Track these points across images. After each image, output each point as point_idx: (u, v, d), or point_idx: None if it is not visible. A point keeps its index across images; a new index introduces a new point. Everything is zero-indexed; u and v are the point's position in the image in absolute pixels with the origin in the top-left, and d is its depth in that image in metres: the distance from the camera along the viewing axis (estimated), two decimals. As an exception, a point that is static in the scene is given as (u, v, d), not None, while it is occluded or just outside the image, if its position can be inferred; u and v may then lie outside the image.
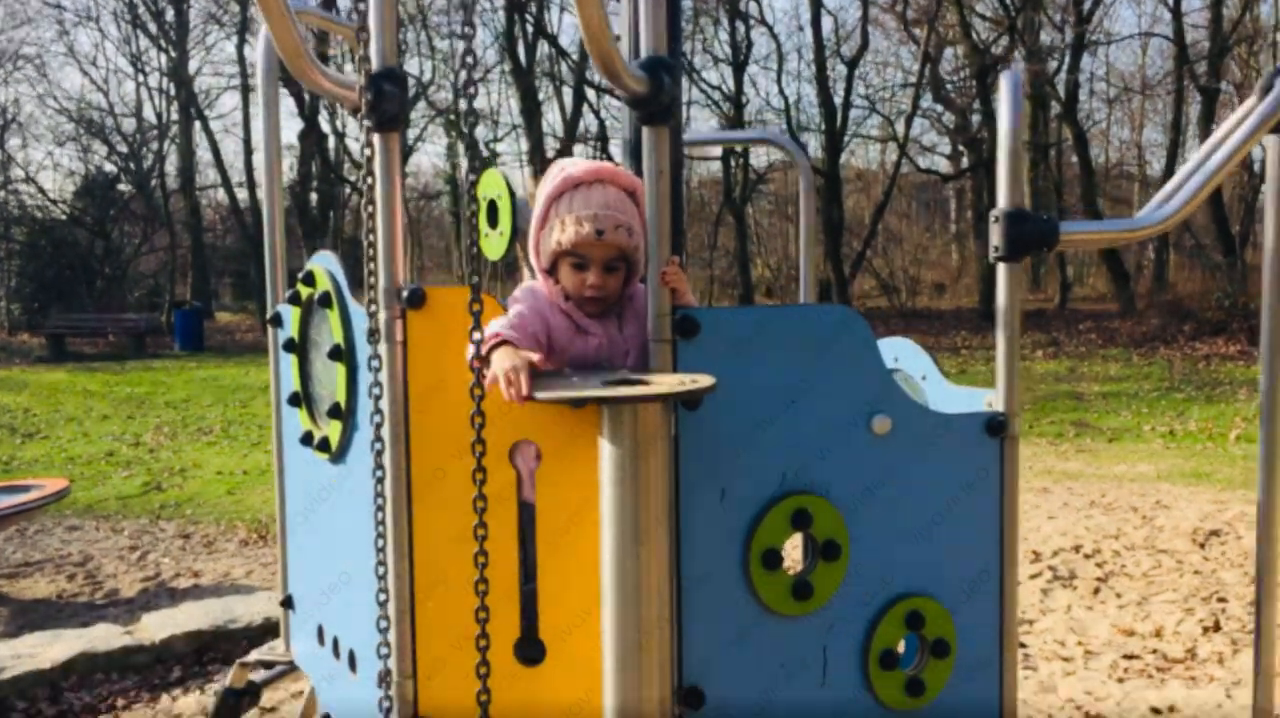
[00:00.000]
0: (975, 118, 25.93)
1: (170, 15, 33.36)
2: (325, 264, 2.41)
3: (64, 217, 30.39)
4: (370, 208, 2.05)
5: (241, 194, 34.86)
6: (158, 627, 6.27)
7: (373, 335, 2.06)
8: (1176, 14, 22.55)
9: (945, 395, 2.94)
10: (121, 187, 32.32)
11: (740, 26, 26.19)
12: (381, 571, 2.07)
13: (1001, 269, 2.38)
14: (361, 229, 2.07)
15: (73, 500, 9.94)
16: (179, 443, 13.15)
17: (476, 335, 1.90)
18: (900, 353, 3.09)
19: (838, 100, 25.04)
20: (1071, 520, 8.45)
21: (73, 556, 8.22)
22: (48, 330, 23.95)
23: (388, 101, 2.00)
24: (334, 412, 2.35)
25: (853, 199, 32.91)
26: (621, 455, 1.90)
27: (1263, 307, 2.55)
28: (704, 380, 1.89)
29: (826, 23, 27.17)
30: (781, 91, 27.18)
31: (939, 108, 29.40)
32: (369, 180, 2.02)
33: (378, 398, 1.95)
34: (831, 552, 2.19)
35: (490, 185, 2.91)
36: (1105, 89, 31.46)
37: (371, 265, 2.05)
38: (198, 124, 34.15)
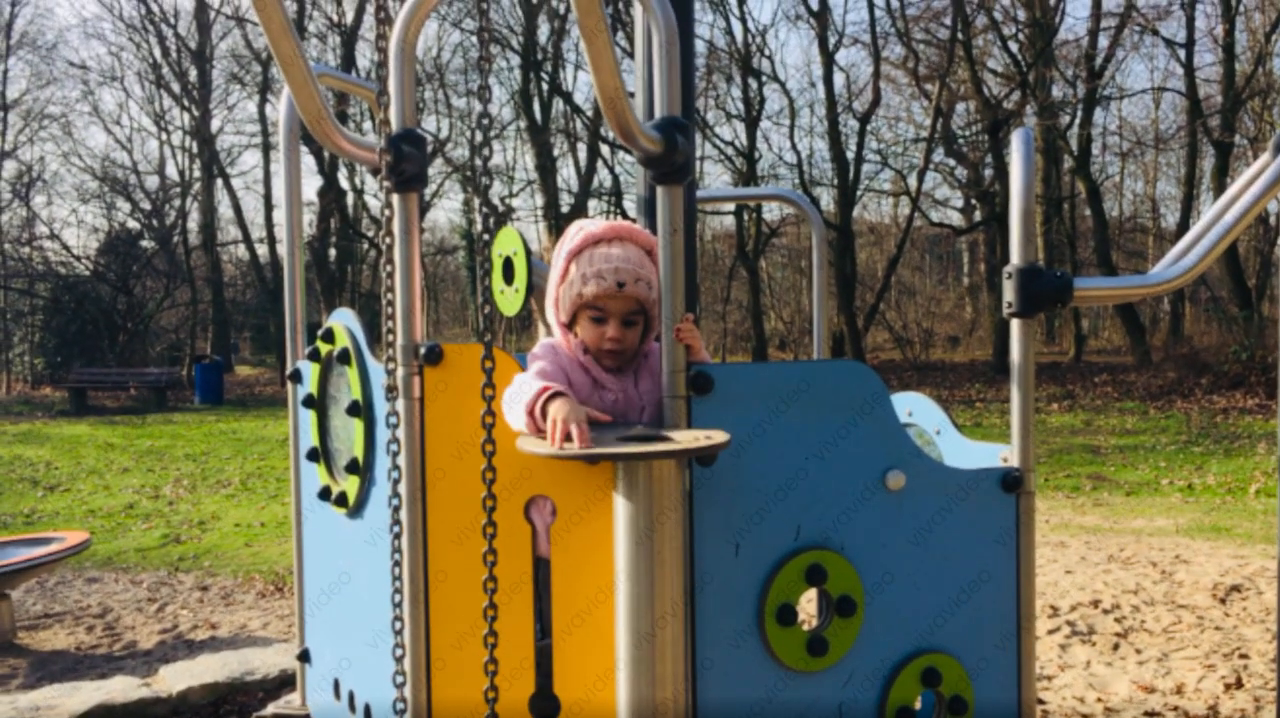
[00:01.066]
0: (988, 172, 26.04)
1: (193, 75, 33.94)
2: (344, 321, 2.44)
3: (87, 272, 30.73)
4: (389, 267, 2.09)
5: (262, 250, 35.26)
6: (175, 679, 6.26)
7: (390, 392, 2.09)
8: (1189, 69, 22.68)
9: (960, 450, 2.94)
10: (144, 243, 32.69)
11: (753, 83, 26.48)
12: (398, 625, 2.08)
13: (1015, 325, 2.39)
14: (380, 286, 2.10)
15: (92, 553, 9.96)
16: (198, 495, 13.17)
17: (489, 392, 1.92)
18: (914, 407, 3.10)
19: (850, 155, 25.22)
20: (1090, 575, 8.36)
21: (92, 607, 8.22)
22: (69, 384, 24.15)
23: (407, 162, 2.04)
24: (352, 467, 2.37)
25: (865, 253, 33.01)
26: (636, 513, 1.91)
27: None
28: (719, 437, 1.91)
29: (838, 79, 27.45)
30: (794, 147, 27.42)
31: (951, 162, 29.59)
32: (388, 240, 2.06)
33: (395, 454, 1.97)
34: (847, 608, 2.19)
35: (506, 242, 2.95)
36: (1119, 143, 31.59)
37: (390, 323, 2.09)
38: (219, 181, 34.62)
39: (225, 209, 35.95)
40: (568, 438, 1.91)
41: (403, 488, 2.09)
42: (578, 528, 2.10)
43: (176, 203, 35.21)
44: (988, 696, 2.34)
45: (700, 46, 27.98)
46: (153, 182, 35.79)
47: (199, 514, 11.85)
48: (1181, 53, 22.92)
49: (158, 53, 34.23)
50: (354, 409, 2.34)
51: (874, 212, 35.23)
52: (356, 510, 2.43)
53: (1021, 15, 24.27)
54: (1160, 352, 22.34)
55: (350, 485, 2.41)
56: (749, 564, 2.12)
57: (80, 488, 13.83)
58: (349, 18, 30.56)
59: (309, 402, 2.62)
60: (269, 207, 35.48)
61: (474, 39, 27.50)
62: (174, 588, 8.76)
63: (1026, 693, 2.36)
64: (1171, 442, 14.65)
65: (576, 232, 2.36)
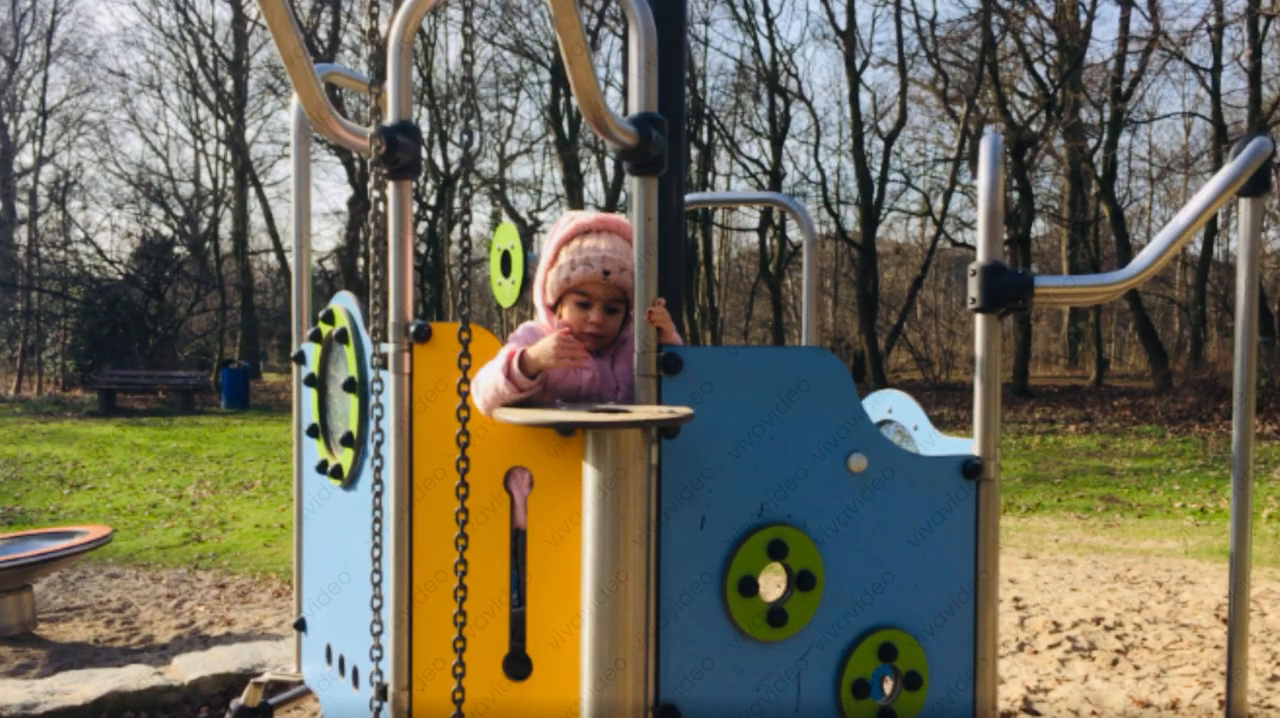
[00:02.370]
0: (1015, 195, 26.07)
1: (229, 85, 34.43)
2: (344, 304, 2.59)
3: (120, 277, 31.20)
4: (381, 250, 2.24)
5: (292, 259, 35.60)
6: (187, 668, 6.43)
7: (381, 366, 2.23)
8: (1215, 94, 22.66)
9: (935, 445, 3.05)
10: (177, 249, 33.16)
11: (780, 101, 26.65)
12: (377, 578, 2.22)
13: (979, 320, 2.51)
14: (374, 270, 2.25)
15: (114, 549, 10.17)
16: (220, 497, 13.38)
17: (465, 362, 2.07)
18: (894, 404, 3.21)
19: (874, 174, 25.35)
20: (1094, 593, 8.41)
21: (112, 602, 8.40)
22: (99, 386, 24.52)
23: (401, 151, 2.19)
24: (347, 440, 2.51)
25: (890, 273, 33.03)
26: (602, 478, 2.04)
27: (1235, 359, 2.66)
28: (681, 411, 2.04)
29: (865, 98, 27.58)
30: (819, 165, 27.55)
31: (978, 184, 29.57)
32: (380, 222, 2.20)
33: (379, 418, 2.10)
34: (806, 582, 2.31)
35: (504, 237, 3.10)
36: (1147, 168, 31.55)
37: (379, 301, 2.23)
38: (252, 190, 35.09)
39: (257, 217, 36.43)
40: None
41: (388, 451, 2.23)
42: (553, 499, 2.23)
43: (210, 210, 35.70)
44: (943, 674, 2.45)
45: (729, 65, 28.19)
46: (187, 189, 36.32)
47: (220, 515, 12.05)
48: (1208, 78, 22.94)
49: (195, 62, 34.77)
50: (350, 385, 2.49)
51: (900, 232, 35.28)
52: (351, 482, 2.58)
53: (1050, 38, 24.34)
54: (1182, 377, 22.28)
55: (345, 458, 2.55)
56: (713, 537, 2.24)
57: (106, 486, 14.08)
58: (383, 30, 30.91)
59: (310, 380, 2.77)
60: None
61: (504, 54, 27.86)
62: (192, 585, 8.95)
63: (982, 675, 2.46)
64: (1187, 465, 14.63)
65: (568, 221, 2.51)
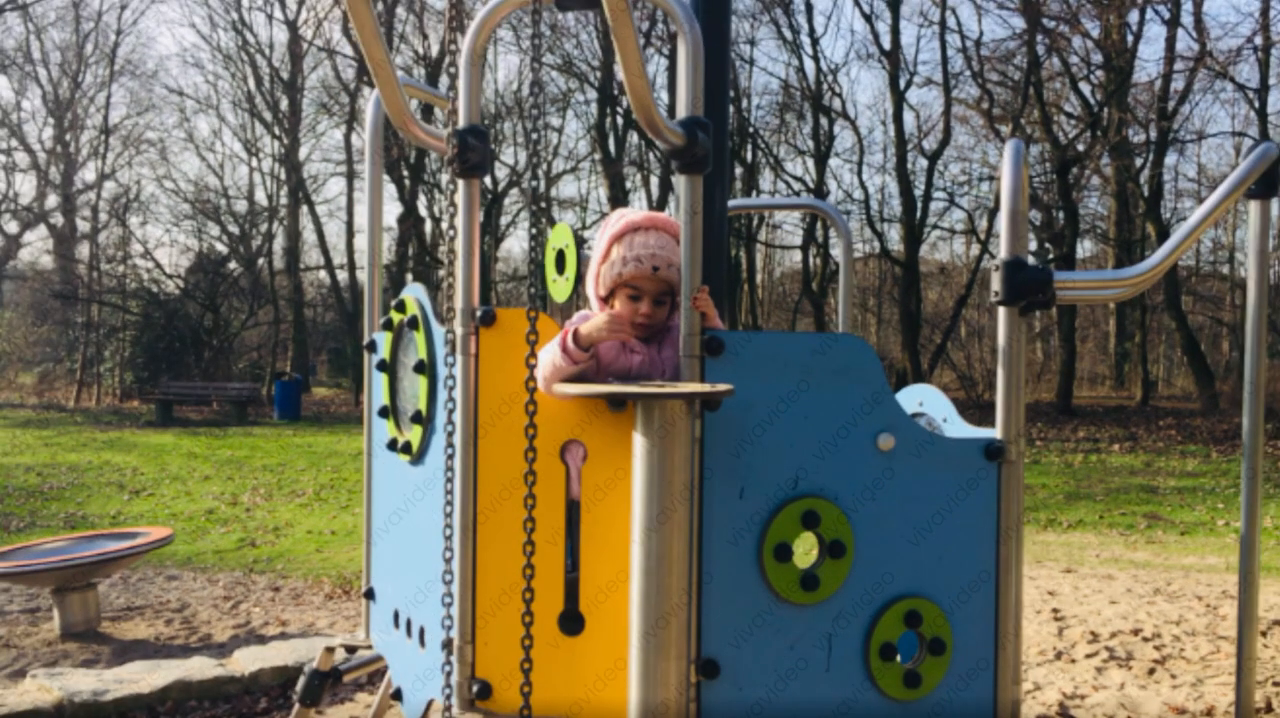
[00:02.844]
0: (1060, 214, 26.05)
1: (285, 105, 35.17)
2: (415, 294, 2.83)
3: (177, 291, 31.94)
4: (452, 241, 2.47)
5: (342, 275, 36.32)
6: (248, 661, 6.73)
7: (450, 349, 2.46)
8: (1262, 114, 22.55)
9: (963, 435, 3.23)
10: (231, 265, 33.88)
11: (824, 120, 26.84)
12: (448, 554, 2.44)
13: (1002, 313, 2.70)
14: (445, 261, 2.47)
15: (173, 553, 10.53)
16: (274, 504, 13.74)
17: (532, 362, 2.30)
18: (925, 398, 3.40)
19: (918, 193, 25.43)
20: (1134, 606, 8.48)
21: (171, 602, 8.72)
22: (157, 397, 25.15)
23: (471, 152, 2.42)
24: (416, 418, 2.74)
25: (935, 293, 33.02)
26: (650, 447, 2.25)
27: (1245, 356, 2.83)
28: (720, 386, 2.25)
29: (909, 117, 27.72)
30: (862, 184, 27.68)
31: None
32: (452, 216, 2.44)
33: (451, 388, 2.33)
34: (837, 550, 2.50)
35: (559, 237, 3.33)
36: (1196, 188, 31.36)
37: (451, 289, 2.46)
38: (305, 207, 35.77)
39: (309, 234, 37.12)
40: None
41: (457, 435, 2.45)
42: (605, 469, 2.45)
43: (264, 227, 36.42)
44: (966, 641, 2.62)
45: (773, 85, 28.45)
46: (242, 205, 37.09)
47: (274, 521, 12.41)
48: (1255, 97, 22.82)
49: (252, 83, 35.55)
50: (420, 367, 2.72)
51: (945, 252, 35.29)
52: (419, 457, 2.81)
53: (1096, 58, 24.36)
54: (1228, 398, 22.15)
55: (414, 435, 2.79)
56: (751, 506, 2.44)
57: (164, 493, 14.50)
58: (434, 51, 31.54)
59: (381, 365, 3.01)
60: (350, 233, 36.56)
61: (554, 74, 28.28)
62: (248, 588, 9.26)
63: (1004, 643, 2.64)
64: (1231, 484, 14.58)
65: (619, 218, 2.74)
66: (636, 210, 2.76)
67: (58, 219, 38.37)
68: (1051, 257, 25.51)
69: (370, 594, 3.21)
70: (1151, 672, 6.76)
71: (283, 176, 35.91)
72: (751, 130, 27.44)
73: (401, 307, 2.87)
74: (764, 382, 2.45)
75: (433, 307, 2.78)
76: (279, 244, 36.39)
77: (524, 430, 2.31)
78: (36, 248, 41.54)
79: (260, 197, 37.48)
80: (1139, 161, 24.48)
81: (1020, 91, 25.00)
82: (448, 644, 2.49)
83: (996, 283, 2.66)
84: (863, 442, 2.53)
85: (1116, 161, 22.88)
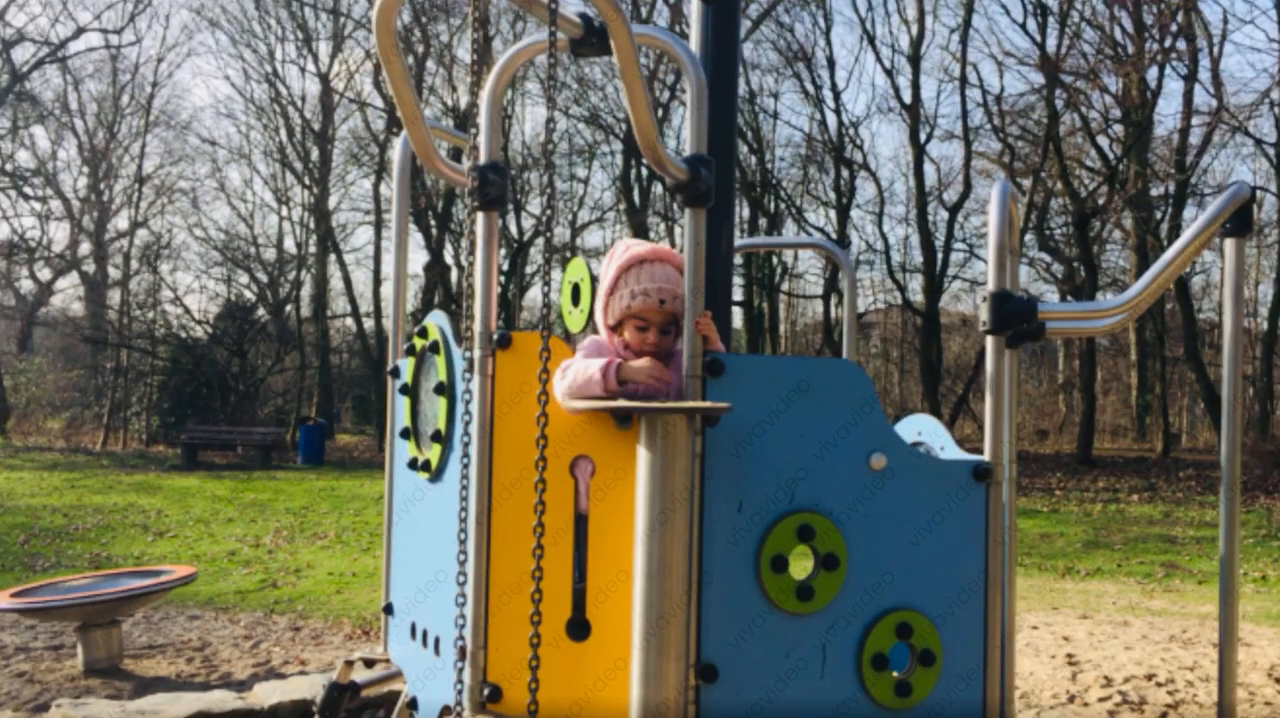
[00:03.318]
0: (1079, 267, 26.16)
1: (315, 155, 35.80)
2: (437, 320, 3.01)
3: (206, 336, 32.41)
4: (471, 270, 2.65)
5: (368, 324, 36.80)
6: (267, 694, 6.87)
7: (468, 370, 2.63)
8: (1279, 169, 22.67)
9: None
10: (259, 313, 34.35)
11: (845, 172, 27.14)
12: (463, 558, 2.60)
13: (989, 341, 2.86)
14: (464, 290, 2.65)
15: (195, 592, 10.69)
16: (295, 546, 13.89)
17: (544, 377, 2.48)
18: (923, 428, 3.54)
19: (939, 243, 25.62)
20: (1148, 652, 8.50)
21: (192, 641, 8.86)
22: (183, 441, 25.47)
23: (491, 187, 2.61)
24: (435, 437, 2.91)
25: (957, 344, 33.09)
26: (653, 458, 2.41)
27: (1223, 382, 2.96)
28: (719, 404, 2.41)
29: (930, 169, 27.94)
30: (883, 235, 27.94)
31: (1047, 257, 29.76)
32: (472, 245, 2.62)
33: (468, 402, 2.50)
34: (831, 563, 2.64)
35: (575, 271, 3.51)
36: (1218, 241, 31.34)
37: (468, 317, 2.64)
38: (332, 256, 36.28)
39: (336, 282, 37.62)
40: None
41: (473, 448, 2.62)
42: (612, 482, 2.60)
43: (291, 274, 36.93)
44: (956, 654, 2.75)
45: (796, 137, 28.84)
46: (270, 254, 37.64)
47: (296, 563, 12.56)
48: (1272, 151, 22.95)
49: (284, 134, 36.23)
50: (439, 389, 2.90)
51: (967, 303, 35.39)
52: (437, 475, 2.97)
53: (1114, 113, 24.58)
54: (1248, 449, 22.08)
55: (433, 454, 2.95)
56: (749, 518, 2.59)
57: (187, 534, 14.69)
58: (462, 102, 32.12)
59: (404, 389, 3.19)
60: (377, 281, 37.03)
61: (578, 126, 28.76)
62: (268, 628, 9.40)
63: (991, 657, 2.76)
64: (1250, 535, 14.54)
65: (624, 250, 2.92)
66: (640, 242, 2.94)
67: (89, 266, 39.03)
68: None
69: (389, 609, 3.37)
70: (1163, 716, 6.80)
71: (312, 225, 36.47)
72: (775, 181, 27.78)
73: (424, 333, 3.05)
74: (762, 401, 2.60)
75: (453, 333, 2.96)
76: (306, 291, 36.89)
77: (536, 443, 2.47)
78: (68, 294, 42.23)
79: (289, 245, 38.08)
80: (1158, 214, 24.62)
81: (1040, 146, 25.23)
82: (461, 652, 2.64)
83: (984, 313, 2.81)
84: (856, 460, 2.68)
85: (1135, 214, 23.02)
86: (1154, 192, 25.40)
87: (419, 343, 3.09)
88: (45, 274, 40.35)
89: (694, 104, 2.51)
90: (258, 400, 31.82)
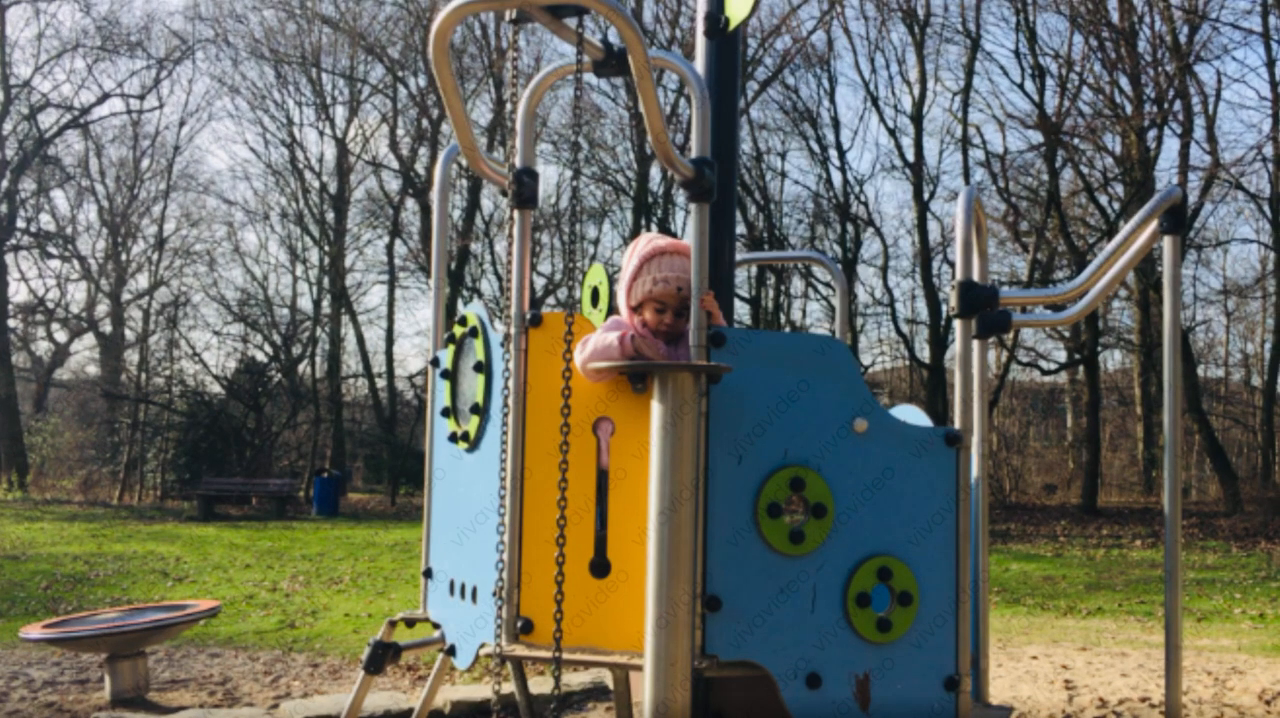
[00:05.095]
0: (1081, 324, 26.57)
1: (331, 217, 36.56)
2: (475, 310, 3.45)
3: (222, 392, 32.93)
4: (510, 262, 3.09)
5: (380, 383, 37.32)
6: (293, 712, 7.24)
7: (505, 345, 3.06)
8: (1275, 224, 23.17)
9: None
10: (272, 371, 34.87)
11: (850, 228, 27.75)
12: (502, 512, 3.00)
13: (958, 324, 3.28)
14: (504, 277, 3.08)
15: (215, 632, 11.03)
16: (312, 590, 14.19)
17: (568, 356, 2.90)
18: (906, 416, 3.93)
19: (943, 297, 26.10)
20: (1144, 678, 8.77)
21: (214, 676, 9.17)
22: (199, 492, 25.88)
23: (524, 188, 3.06)
24: (474, 409, 3.33)
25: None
26: (664, 411, 2.82)
27: (1164, 392, 3.37)
28: (721, 365, 2.83)
29: (934, 226, 28.50)
30: (888, 289, 28.49)
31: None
32: (509, 240, 3.06)
33: (507, 379, 2.91)
34: (820, 512, 3.03)
35: (594, 276, 3.96)
36: (1223, 298, 31.92)
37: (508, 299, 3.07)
38: (346, 316, 36.89)
39: (350, 341, 38.20)
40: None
41: (510, 412, 3.03)
42: (629, 440, 3.01)
43: (305, 334, 37.50)
44: (931, 596, 3.13)
45: (803, 194, 29.52)
46: (285, 314, 38.24)
47: (312, 605, 12.87)
48: (1267, 206, 23.47)
49: (300, 197, 37.02)
50: (478, 367, 3.32)
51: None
52: (475, 444, 3.38)
53: (1115, 171, 25.17)
54: (1251, 497, 22.34)
55: (472, 425, 3.37)
56: (748, 471, 2.99)
57: (206, 579, 15.01)
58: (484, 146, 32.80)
59: (445, 374, 3.61)
60: (390, 340, 37.63)
61: (591, 186, 29.44)
62: (287, 664, 9.71)
63: (962, 600, 3.14)
64: (1250, 577, 14.79)
65: (647, 242, 3.38)
66: (660, 236, 3.40)
67: (106, 327, 39.67)
68: (1077, 358, 26.00)
69: (428, 573, 3.76)
70: (1156, 732, 7.10)
71: (326, 285, 37.13)
72: (782, 237, 28.39)
73: (463, 321, 3.49)
74: (758, 370, 3.02)
75: (489, 321, 3.39)
76: (321, 349, 37.46)
77: (561, 402, 2.89)
78: (82, 357, 42.84)
79: (304, 304, 38.72)
80: (1158, 269, 25.07)
81: (1043, 205, 25.79)
82: (499, 592, 3.03)
83: (953, 299, 3.23)
84: (841, 423, 3.08)
85: (1136, 270, 23.51)
86: (1153, 247, 25.84)
87: (458, 331, 3.52)
88: (62, 336, 41.04)
89: (699, 114, 2.96)
90: (272, 455, 32.24)
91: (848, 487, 3.07)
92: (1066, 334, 31.20)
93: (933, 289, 26.17)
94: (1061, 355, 33.42)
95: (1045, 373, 31.48)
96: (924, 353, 27.32)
